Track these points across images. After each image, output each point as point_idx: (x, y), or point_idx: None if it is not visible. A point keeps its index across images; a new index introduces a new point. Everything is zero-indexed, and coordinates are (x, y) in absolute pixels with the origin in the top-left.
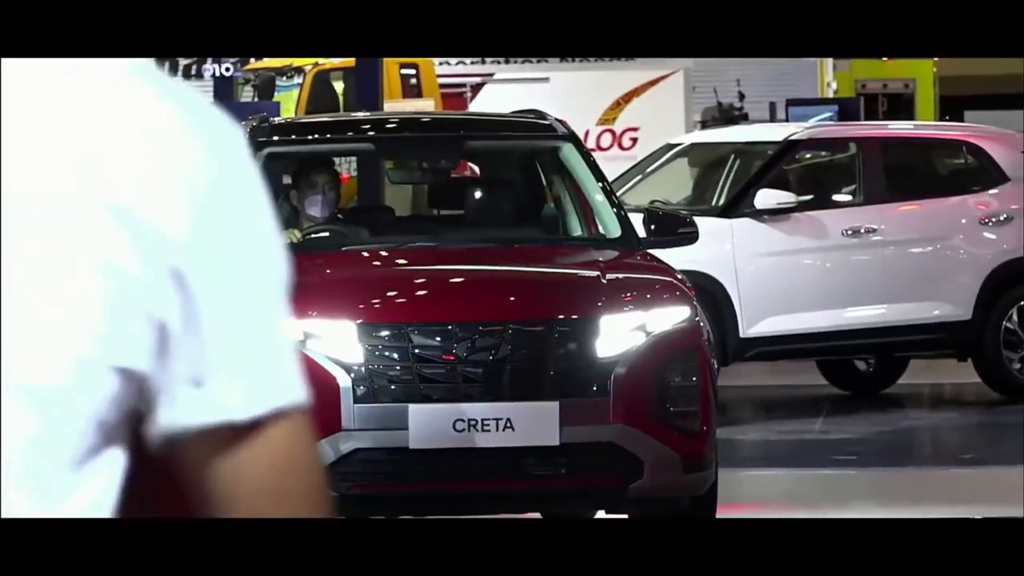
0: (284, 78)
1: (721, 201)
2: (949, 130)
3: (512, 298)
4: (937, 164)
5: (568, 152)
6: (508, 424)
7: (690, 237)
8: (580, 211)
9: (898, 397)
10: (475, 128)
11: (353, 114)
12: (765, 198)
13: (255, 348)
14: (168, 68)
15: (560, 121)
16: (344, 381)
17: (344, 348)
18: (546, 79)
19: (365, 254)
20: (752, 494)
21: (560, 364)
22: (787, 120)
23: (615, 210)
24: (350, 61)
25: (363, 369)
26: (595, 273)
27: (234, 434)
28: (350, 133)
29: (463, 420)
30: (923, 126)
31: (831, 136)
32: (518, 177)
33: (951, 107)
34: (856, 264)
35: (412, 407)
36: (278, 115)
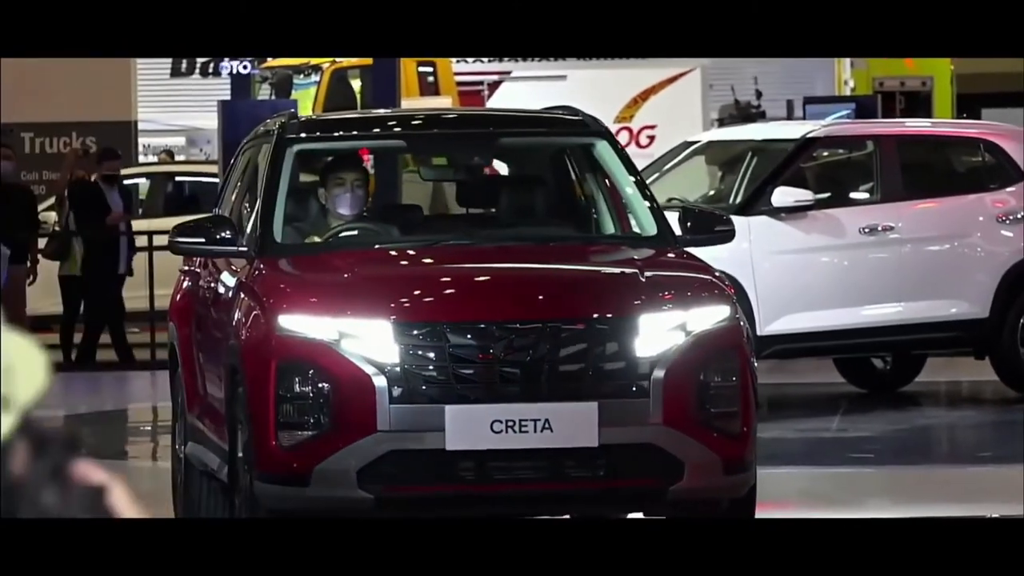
0: (301, 76)
1: (738, 199)
2: (966, 128)
3: (550, 297)
4: (954, 162)
5: (602, 149)
6: (546, 425)
7: (727, 235)
8: (614, 208)
9: (915, 395)
10: (507, 125)
11: (383, 111)
12: (782, 196)
13: None
14: (186, 65)
15: (593, 117)
16: (379, 381)
17: (379, 348)
18: (563, 77)
19: (397, 252)
20: (769, 492)
21: (599, 364)
22: (804, 118)
23: (651, 207)
24: (367, 59)
25: (398, 369)
26: (633, 271)
27: None
28: (380, 130)
29: (500, 421)
30: (940, 124)
31: (848, 134)
32: (549, 174)
33: (968, 105)
34: (873, 262)
35: (448, 408)
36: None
